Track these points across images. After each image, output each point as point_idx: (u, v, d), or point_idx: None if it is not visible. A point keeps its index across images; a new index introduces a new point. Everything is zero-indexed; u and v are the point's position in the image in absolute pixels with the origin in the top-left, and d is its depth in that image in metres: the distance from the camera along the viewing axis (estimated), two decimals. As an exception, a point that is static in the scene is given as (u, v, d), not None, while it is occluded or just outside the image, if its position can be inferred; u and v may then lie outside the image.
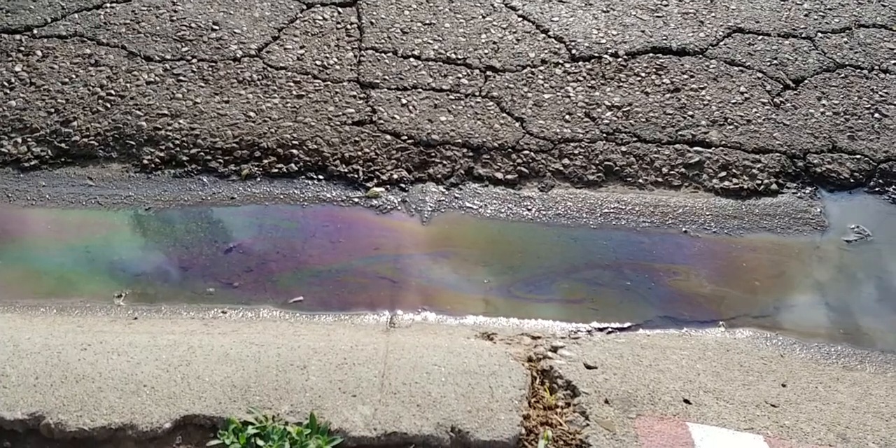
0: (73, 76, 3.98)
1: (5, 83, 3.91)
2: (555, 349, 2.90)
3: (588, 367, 2.79)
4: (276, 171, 3.75)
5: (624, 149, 3.96)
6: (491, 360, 2.75)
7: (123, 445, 2.40)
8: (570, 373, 2.74)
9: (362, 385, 2.58)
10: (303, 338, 2.88)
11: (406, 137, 3.90)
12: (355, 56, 4.24)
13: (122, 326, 2.96)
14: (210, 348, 2.71)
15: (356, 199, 3.68)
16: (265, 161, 3.77)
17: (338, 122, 3.93)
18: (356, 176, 3.76)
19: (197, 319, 3.08)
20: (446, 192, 3.74)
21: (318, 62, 4.19)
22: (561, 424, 2.55)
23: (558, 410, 2.61)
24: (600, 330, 3.20)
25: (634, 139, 4.01)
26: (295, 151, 3.80)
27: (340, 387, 2.57)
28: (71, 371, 2.56)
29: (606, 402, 2.65)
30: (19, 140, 3.71)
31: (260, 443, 2.36)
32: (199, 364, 2.63)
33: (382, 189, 3.73)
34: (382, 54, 4.27)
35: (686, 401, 2.72)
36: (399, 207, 3.66)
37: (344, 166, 3.79)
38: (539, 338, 3.08)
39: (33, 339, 2.71)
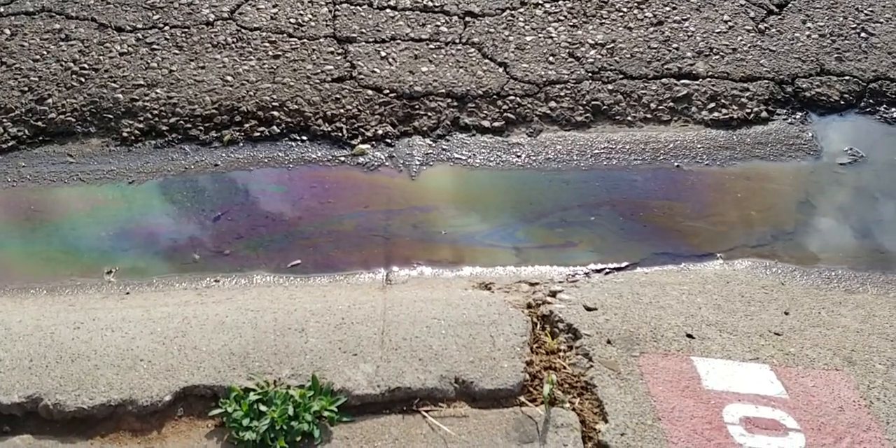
0: (45, 52, 3.89)
1: (-26, 64, 3.81)
2: (553, 294, 2.87)
3: (588, 309, 2.76)
4: (258, 134, 3.69)
5: (611, 87, 3.89)
6: (490, 310, 2.72)
7: (124, 421, 2.38)
8: (570, 316, 2.71)
9: (362, 343, 2.56)
10: (299, 301, 2.84)
11: (388, 91, 3.82)
12: (330, 11, 4.14)
13: (114, 302, 2.93)
14: (205, 318, 2.68)
15: (342, 158, 3.61)
16: (246, 125, 3.70)
17: (317, 81, 3.85)
18: (340, 134, 3.69)
19: (190, 290, 3.05)
20: (433, 145, 3.68)
21: (292, 20, 4.09)
22: (565, 368, 2.52)
23: (561, 354, 2.58)
24: (598, 272, 3.17)
25: (620, 76, 3.93)
26: (276, 113, 3.73)
27: (340, 347, 2.55)
28: (65, 351, 2.53)
29: (609, 342, 2.62)
30: (-6, 122, 3.63)
31: (263, 408, 2.34)
32: (195, 334, 2.60)
33: (368, 146, 3.66)
34: (357, 7, 4.17)
35: (689, 335, 2.70)
36: (386, 163, 3.61)
37: (327, 125, 3.72)
38: (537, 284, 3.04)
39: (24, 321, 2.68)
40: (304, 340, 2.57)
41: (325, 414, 2.36)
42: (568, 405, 2.41)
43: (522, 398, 2.43)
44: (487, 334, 2.60)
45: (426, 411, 2.39)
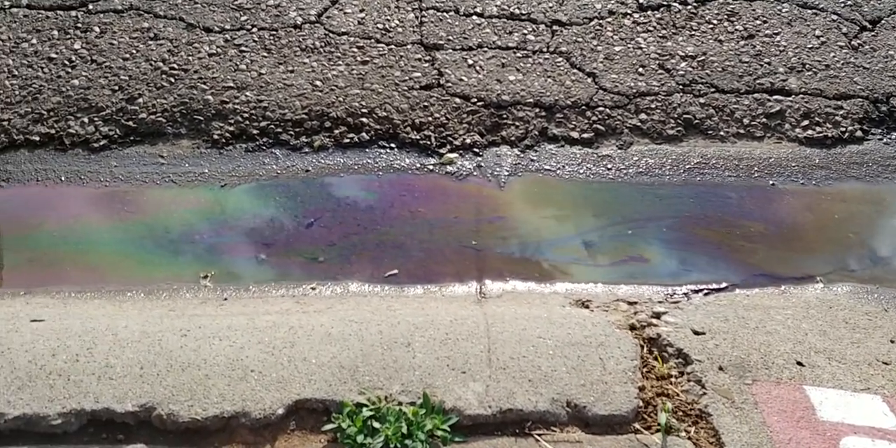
0: (134, 51, 3.89)
1: (66, 61, 3.84)
2: (657, 315, 2.83)
3: (696, 333, 2.72)
4: (348, 141, 3.67)
5: (702, 100, 3.83)
6: (596, 331, 2.69)
7: (237, 434, 2.37)
8: (678, 340, 2.67)
9: (470, 361, 2.53)
10: (399, 313, 2.82)
11: (476, 100, 3.79)
12: (416, 17, 4.11)
13: (213, 308, 2.93)
14: (311, 328, 2.67)
15: (430, 167, 3.59)
16: (336, 131, 3.69)
17: (405, 88, 3.82)
18: (428, 142, 3.67)
19: (288, 298, 3.04)
20: (521, 155, 3.64)
21: (379, 25, 4.07)
22: (678, 395, 2.48)
23: (672, 380, 2.54)
24: (697, 292, 3.12)
25: (712, 90, 3.87)
26: (365, 120, 3.71)
27: (448, 363, 2.52)
28: (175, 359, 2.53)
29: (720, 369, 2.58)
30: (86, 120, 3.65)
31: (376, 425, 2.32)
32: (303, 345, 2.59)
33: (456, 155, 3.64)
34: (444, 13, 4.14)
35: (799, 363, 2.65)
36: (475, 173, 3.58)
37: (415, 133, 3.69)
38: (635, 303, 3.00)
39: (130, 326, 2.69)
40: (412, 356, 2.55)
41: (438, 433, 2.34)
42: (684, 434, 2.37)
43: (637, 425, 2.40)
44: (597, 357, 2.56)
45: (539, 435, 2.37)
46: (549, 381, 2.49)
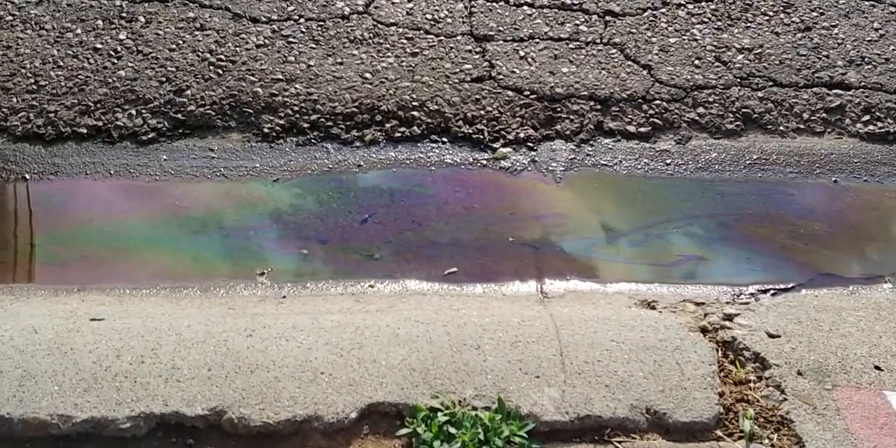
0: (180, 42, 3.82)
1: (112, 52, 3.78)
2: (729, 317, 2.76)
3: (771, 336, 2.66)
4: (399, 135, 3.60)
5: (760, 94, 3.75)
6: (669, 334, 2.62)
7: (310, 438, 2.33)
8: (754, 343, 2.61)
9: (543, 365, 2.47)
10: (464, 313, 2.76)
11: (528, 93, 3.72)
12: (465, 7, 4.03)
13: (274, 307, 2.87)
14: (377, 329, 2.62)
15: (484, 162, 3.52)
16: (387, 125, 3.62)
17: (456, 80, 3.75)
18: (481, 137, 3.60)
19: (347, 295, 2.99)
20: (577, 150, 3.57)
21: (428, 16, 3.99)
22: (758, 400, 2.42)
23: (751, 385, 2.48)
24: (763, 292, 3.05)
25: (770, 83, 3.78)
26: (416, 113, 3.64)
27: (521, 367, 2.47)
28: (243, 360, 2.47)
29: (799, 373, 2.52)
30: (133, 112, 3.59)
31: (452, 430, 2.27)
32: (371, 346, 2.53)
33: (510, 149, 3.56)
34: (494, 3, 4.06)
35: (877, 367, 2.59)
36: (529, 168, 3.50)
37: (467, 127, 3.62)
38: (702, 304, 2.94)
39: (193, 326, 2.63)
40: (483, 359, 2.49)
41: (516, 440, 2.29)
42: (767, 441, 2.31)
43: (719, 432, 2.34)
44: (673, 361, 2.50)
45: (619, 442, 2.30)
46: (627, 386, 2.42)
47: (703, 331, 2.72)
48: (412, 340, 2.58)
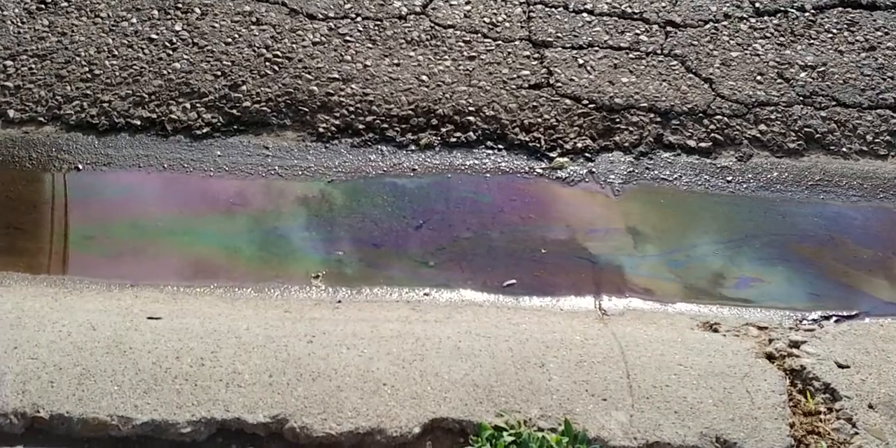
0: (236, 36, 3.78)
1: (167, 43, 3.74)
2: (796, 345, 2.70)
3: (840, 367, 2.60)
4: (455, 140, 3.55)
5: (823, 114, 3.68)
6: (737, 360, 2.57)
7: (373, 451, 2.27)
8: (824, 373, 2.56)
9: (610, 387, 2.42)
10: (523, 327, 2.72)
11: (587, 102, 3.65)
12: (524, 12, 3.97)
13: (330, 311, 2.83)
14: (437, 340, 2.57)
15: (540, 171, 3.47)
16: (443, 129, 3.57)
17: (513, 86, 3.69)
18: (538, 145, 3.54)
19: (402, 303, 2.94)
20: (636, 162, 3.51)
21: (486, 19, 3.93)
22: (829, 433, 2.36)
23: (822, 417, 2.42)
24: (826, 319, 3.00)
25: (833, 103, 3.71)
26: (472, 118, 3.58)
27: (587, 389, 2.41)
28: (304, 367, 2.43)
29: (870, 406, 2.46)
30: (188, 105, 3.55)
31: (518, 452, 2.21)
32: (433, 359, 2.49)
33: (567, 159, 3.50)
34: (552, 9, 3.99)
35: (948, 404, 2.51)
36: (587, 179, 3.45)
37: (524, 134, 3.57)
38: (765, 328, 2.88)
39: (252, 329, 2.59)
40: (548, 377, 2.44)
41: (583, 463, 2.22)
42: (839, 476, 2.25)
43: (790, 465, 2.27)
44: (743, 389, 2.44)
45: (688, 470, 2.24)
46: (696, 413, 2.37)
47: (770, 357, 2.66)
48: (474, 355, 2.53)
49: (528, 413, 2.36)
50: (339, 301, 2.98)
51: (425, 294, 3.04)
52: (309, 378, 2.42)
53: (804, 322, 2.96)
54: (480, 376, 2.45)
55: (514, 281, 3.08)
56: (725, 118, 3.66)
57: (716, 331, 2.84)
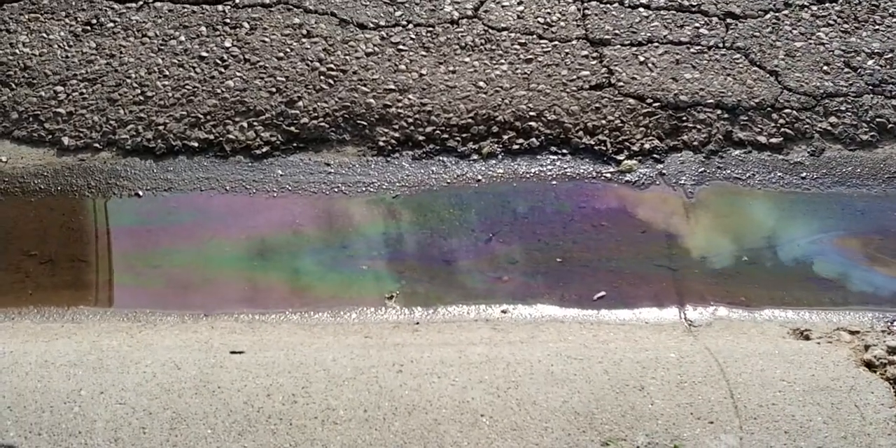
0: (288, 50, 3.70)
1: (218, 61, 3.67)
2: (894, 351, 2.60)
3: (942, 374, 2.49)
4: (517, 147, 3.47)
5: (894, 102, 3.53)
6: (839, 371, 2.48)
7: (479, 486, 2.20)
8: (930, 383, 2.44)
9: (715, 409, 2.34)
10: (612, 346, 2.64)
11: (651, 100, 3.55)
12: (578, 9, 3.85)
13: (410, 335, 2.77)
14: (529, 365, 2.50)
15: (608, 175, 3.37)
16: (504, 137, 3.48)
17: (574, 88, 3.59)
18: (604, 148, 3.45)
19: (481, 322, 2.87)
20: (706, 161, 3.40)
21: (540, 20, 3.83)
22: (945, 448, 2.26)
23: (934, 430, 2.32)
24: (914, 320, 2.88)
25: (905, 91, 3.57)
26: (533, 124, 3.49)
27: (692, 412, 2.34)
28: (398, 400, 2.37)
29: (982, 417, 2.35)
30: (245, 125, 3.49)
31: (629, 482, 2.14)
32: (528, 386, 2.42)
33: (635, 161, 3.41)
34: (608, 5, 3.88)
35: None
36: (657, 181, 3.35)
37: (588, 138, 3.47)
38: (857, 332, 2.79)
39: (338, 360, 2.53)
40: (649, 401, 2.37)
41: (696, 491, 2.14)
42: (965, 495, 2.16)
43: (911, 484, 2.18)
44: (851, 403, 2.36)
45: (805, 494, 2.16)
46: (807, 432, 2.29)
47: (870, 366, 2.58)
48: (570, 379, 2.46)
49: (635, 441, 2.30)
50: (418, 323, 2.92)
51: (503, 311, 2.98)
52: (405, 411, 2.36)
53: (895, 324, 2.86)
54: (580, 403, 2.38)
55: (603, 293, 2.99)
56: (794, 112, 3.54)
57: (808, 338, 2.76)
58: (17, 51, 3.70)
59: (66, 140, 3.48)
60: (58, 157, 3.46)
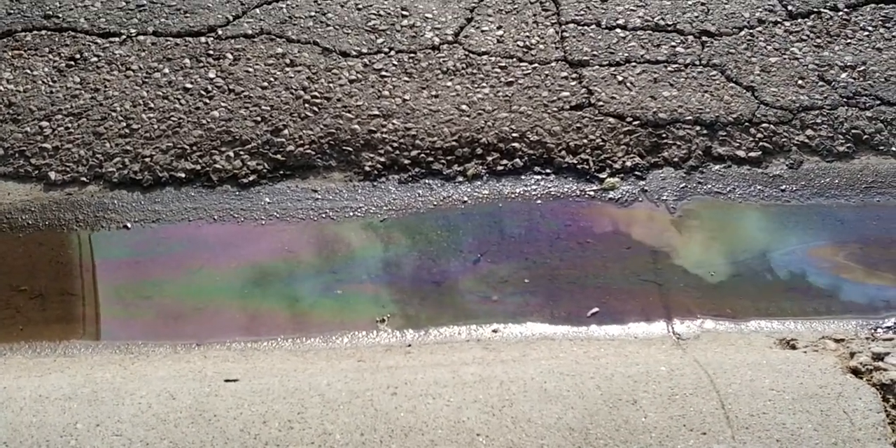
0: (272, 79, 3.74)
1: (203, 91, 3.70)
2: (880, 357, 2.66)
3: (930, 379, 2.53)
4: (502, 168, 3.52)
5: (869, 114, 3.64)
6: (827, 379, 2.52)
7: (477, 505, 2.22)
8: (918, 388, 2.49)
9: (707, 420, 2.38)
10: (603, 361, 2.67)
11: (631, 119, 3.62)
12: (557, 32, 3.93)
13: (403, 357, 2.79)
14: (522, 383, 2.53)
15: (591, 193, 3.42)
16: (488, 158, 3.53)
17: (555, 109, 3.65)
18: (586, 167, 3.50)
19: (472, 342, 2.90)
20: (687, 177, 3.47)
21: (519, 43, 3.90)
22: (933, 452, 2.31)
23: (922, 435, 2.36)
24: (892, 329, 2.93)
25: (878, 102, 3.68)
26: (517, 145, 3.55)
27: (684, 423, 2.37)
28: (394, 423, 2.39)
29: (970, 421, 2.39)
30: (231, 154, 3.52)
31: (626, 496, 2.16)
32: (522, 404, 2.44)
33: (618, 179, 3.46)
34: (585, 27, 3.95)
35: None
36: (640, 198, 3.40)
37: (571, 157, 3.53)
38: (842, 340, 2.84)
39: (333, 384, 2.55)
40: (643, 415, 2.40)
41: (692, 503, 2.17)
42: (955, 497, 2.19)
43: (902, 488, 2.22)
44: (839, 410, 2.40)
45: (800, 501, 2.19)
46: (799, 440, 2.33)
47: (856, 372, 2.62)
48: (563, 396, 2.49)
49: (628, 454, 2.31)
50: (410, 345, 2.94)
51: (494, 331, 3.01)
52: (401, 433, 2.39)
53: (879, 330, 2.92)
54: (574, 419, 2.41)
55: (596, 309, 3.03)
56: (772, 125, 3.62)
57: (794, 347, 2.80)
58: (1, 87, 3.72)
59: (52, 175, 3.49)
60: (45, 191, 3.48)
